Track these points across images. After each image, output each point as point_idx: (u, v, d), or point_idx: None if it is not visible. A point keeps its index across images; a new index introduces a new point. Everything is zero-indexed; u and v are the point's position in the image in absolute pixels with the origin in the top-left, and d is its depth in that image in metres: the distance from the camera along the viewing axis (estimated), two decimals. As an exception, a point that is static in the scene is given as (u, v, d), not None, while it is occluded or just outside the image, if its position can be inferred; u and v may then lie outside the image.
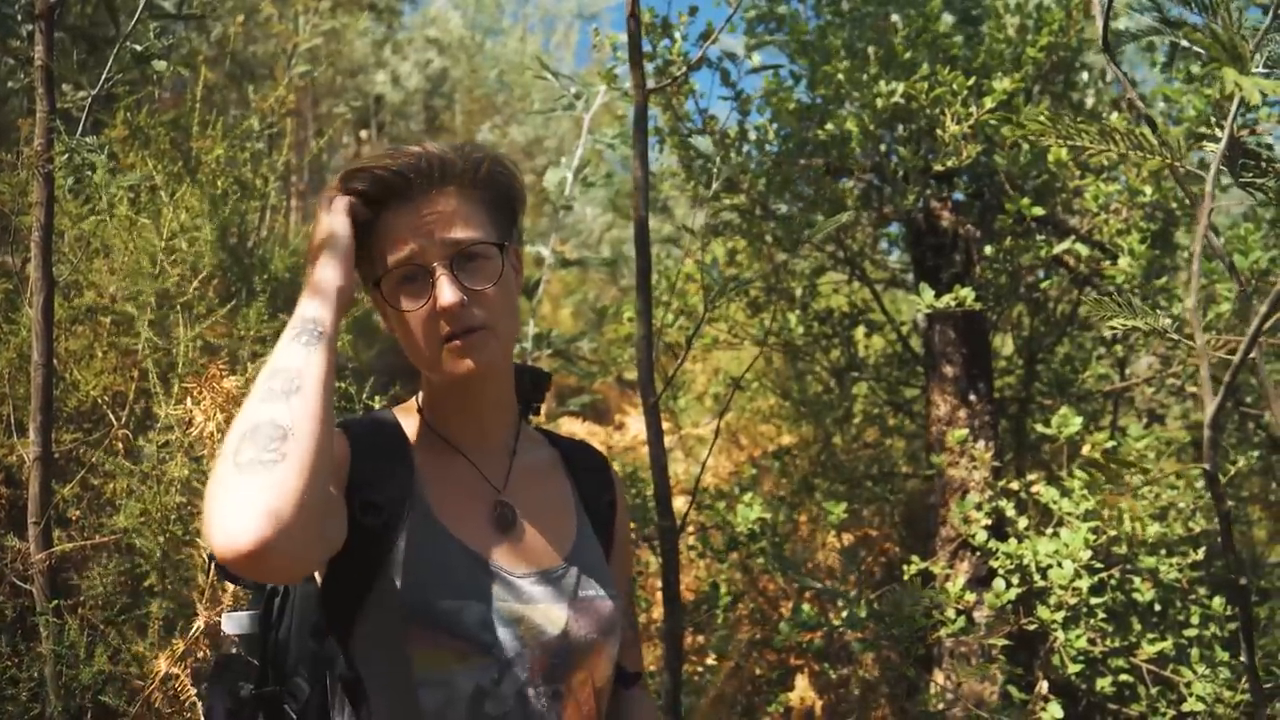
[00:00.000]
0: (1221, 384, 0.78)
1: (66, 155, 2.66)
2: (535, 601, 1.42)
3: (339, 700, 1.40)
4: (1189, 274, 3.03)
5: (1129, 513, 2.87)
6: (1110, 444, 3.05)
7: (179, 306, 3.17)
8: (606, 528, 1.63)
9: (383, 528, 1.37)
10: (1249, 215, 3.73)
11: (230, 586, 2.60)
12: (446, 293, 1.37)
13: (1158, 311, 1.69)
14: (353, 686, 1.38)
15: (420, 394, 1.56)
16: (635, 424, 6.00)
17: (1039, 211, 3.32)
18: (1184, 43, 1.88)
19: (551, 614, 1.42)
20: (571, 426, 5.91)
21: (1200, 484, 3.07)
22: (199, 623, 2.60)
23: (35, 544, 2.49)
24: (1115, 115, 3.39)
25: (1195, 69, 2.54)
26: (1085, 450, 3.07)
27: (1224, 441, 4.25)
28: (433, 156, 1.41)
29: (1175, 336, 1.58)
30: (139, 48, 2.91)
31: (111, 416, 3.01)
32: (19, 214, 2.97)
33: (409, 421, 1.53)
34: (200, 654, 2.63)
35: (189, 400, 2.73)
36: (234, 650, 1.49)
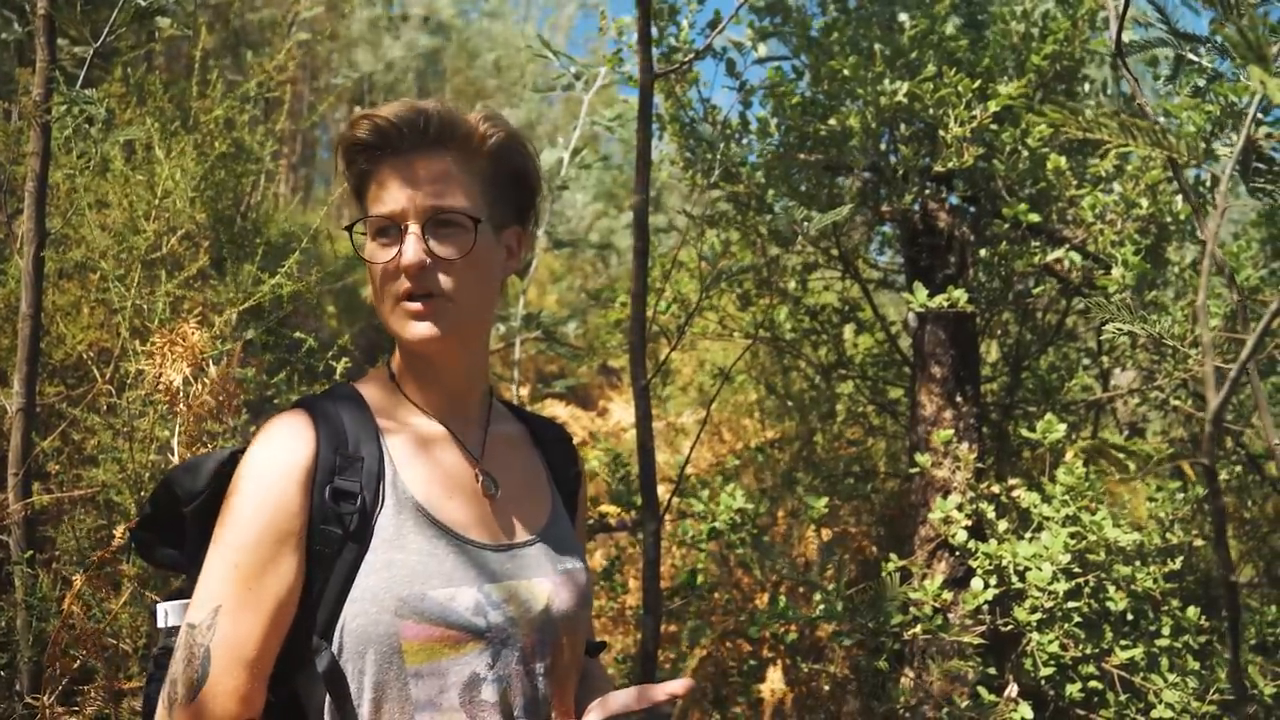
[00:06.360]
0: (1226, 379, 0.79)
1: (65, 107, 2.63)
2: (519, 575, 1.41)
3: (317, 694, 1.33)
4: (1200, 272, 3.05)
5: (1130, 499, 2.88)
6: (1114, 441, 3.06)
7: (165, 264, 3.15)
8: (572, 499, 1.64)
9: (359, 515, 1.33)
10: (1239, 234, 3.76)
11: None
12: (409, 252, 1.37)
13: (1154, 319, 1.71)
14: (337, 681, 1.31)
15: (391, 364, 1.53)
16: (618, 410, 6.01)
17: (1035, 218, 3.33)
18: (1191, 55, 1.90)
19: (535, 588, 1.42)
20: (554, 409, 5.91)
21: (1180, 496, 3.10)
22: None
23: (14, 494, 2.47)
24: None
25: (1200, 82, 2.56)
26: (1069, 456, 3.08)
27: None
28: (434, 115, 1.40)
29: (1171, 342, 1.59)
30: (143, 2, 2.88)
31: (96, 372, 2.99)
32: (14, 163, 2.94)
33: (376, 394, 1.49)
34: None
35: (157, 356, 2.70)
36: (172, 642, 1.38)
